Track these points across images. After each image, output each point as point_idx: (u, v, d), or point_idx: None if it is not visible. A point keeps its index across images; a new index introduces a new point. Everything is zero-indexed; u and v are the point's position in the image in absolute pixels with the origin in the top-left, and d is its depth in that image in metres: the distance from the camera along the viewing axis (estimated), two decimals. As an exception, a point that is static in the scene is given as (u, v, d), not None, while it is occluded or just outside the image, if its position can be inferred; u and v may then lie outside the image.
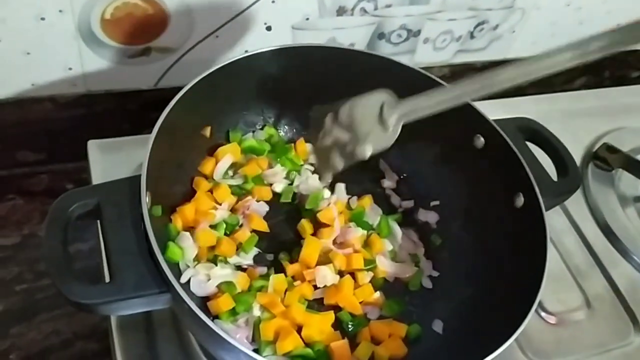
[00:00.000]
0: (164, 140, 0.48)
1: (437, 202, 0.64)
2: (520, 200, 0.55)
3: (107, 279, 0.49)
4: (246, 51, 0.65)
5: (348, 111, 0.51)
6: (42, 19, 0.59)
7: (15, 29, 0.59)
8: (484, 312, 0.54)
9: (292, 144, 0.63)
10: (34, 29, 0.59)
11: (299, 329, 0.50)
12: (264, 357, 0.44)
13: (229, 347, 0.40)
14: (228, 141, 0.61)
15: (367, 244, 0.59)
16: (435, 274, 0.60)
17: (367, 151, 0.50)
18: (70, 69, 0.64)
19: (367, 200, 0.62)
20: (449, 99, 0.49)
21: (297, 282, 0.54)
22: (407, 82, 0.60)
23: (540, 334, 0.60)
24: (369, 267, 0.57)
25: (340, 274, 0.56)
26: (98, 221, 0.48)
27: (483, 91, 0.47)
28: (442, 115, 0.60)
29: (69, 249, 0.44)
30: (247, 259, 0.54)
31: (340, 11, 0.70)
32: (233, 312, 0.49)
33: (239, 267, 0.54)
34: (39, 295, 0.65)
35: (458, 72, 0.83)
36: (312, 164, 0.62)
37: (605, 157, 0.75)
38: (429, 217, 0.63)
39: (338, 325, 0.53)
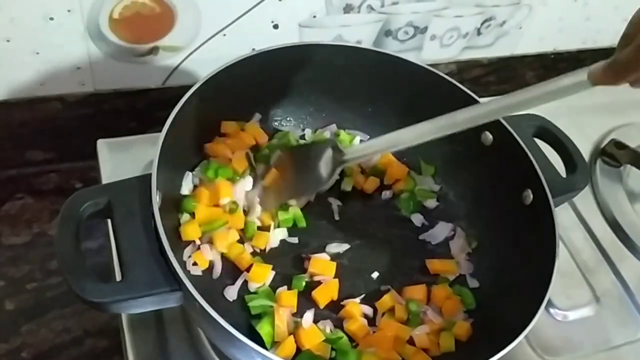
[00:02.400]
0: (173, 138, 0.49)
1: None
2: (528, 197, 0.55)
3: (118, 277, 0.50)
4: (253, 49, 0.66)
5: (301, 157, 0.54)
6: (51, 18, 0.59)
7: (24, 28, 0.59)
8: (493, 309, 0.54)
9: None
10: (42, 28, 0.60)
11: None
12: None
13: (239, 344, 0.40)
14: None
15: None
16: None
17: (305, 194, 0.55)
18: (78, 68, 0.64)
19: None
20: (386, 146, 0.51)
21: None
22: (414, 79, 0.61)
23: (548, 329, 0.60)
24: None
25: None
26: (108, 220, 0.49)
27: (432, 135, 0.48)
28: (450, 112, 0.61)
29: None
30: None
31: (347, 9, 0.70)
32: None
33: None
34: (50, 293, 0.66)
35: (465, 69, 0.83)
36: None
37: (613, 153, 0.75)
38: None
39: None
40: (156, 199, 0.44)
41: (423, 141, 0.48)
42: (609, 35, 0.87)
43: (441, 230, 0.61)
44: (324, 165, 0.50)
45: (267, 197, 0.54)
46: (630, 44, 0.40)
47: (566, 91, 0.43)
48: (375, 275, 0.57)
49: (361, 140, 0.65)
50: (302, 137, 0.65)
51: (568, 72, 0.97)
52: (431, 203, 0.63)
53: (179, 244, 0.52)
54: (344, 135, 0.64)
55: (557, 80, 0.43)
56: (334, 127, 0.65)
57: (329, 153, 0.50)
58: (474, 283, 0.58)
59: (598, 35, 0.86)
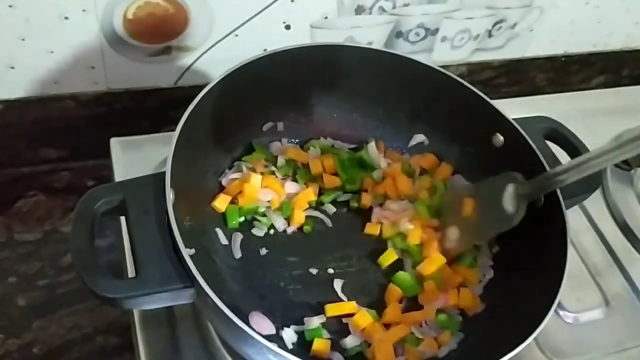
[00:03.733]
0: (187, 137, 0.49)
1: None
2: (540, 199, 0.55)
3: (130, 274, 0.50)
4: (265, 50, 0.66)
5: (483, 193, 0.53)
6: (66, 18, 0.60)
7: (39, 28, 0.60)
8: (504, 311, 0.54)
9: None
10: (57, 28, 0.60)
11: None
12: None
13: (252, 342, 0.40)
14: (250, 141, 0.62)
15: None
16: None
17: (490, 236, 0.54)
18: (92, 67, 0.65)
19: None
20: (573, 172, 0.49)
21: None
22: (425, 80, 0.61)
23: (558, 332, 0.60)
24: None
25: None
26: (121, 217, 0.49)
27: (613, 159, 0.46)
28: (462, 114, 0.61)
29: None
30: None
31: (359, 10, 0.70)
32: None
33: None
34: (61, 290, 0.66)
35: (475, 71, 0.83)
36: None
37: (624, 156, 0.75)
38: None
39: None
40: (170, 197, 0.44)
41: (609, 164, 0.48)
42: (620, 38, 0.87)
43: None
44: (508, 200, 0.50)
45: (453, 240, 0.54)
46: None
47: None
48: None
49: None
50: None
51: (579, 74, 0.98)
52: None
53: (192, 241, 0.52)
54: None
55: None
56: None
57: (511, 188, 0.50)
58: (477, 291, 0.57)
59: (609, 39, 0.86)
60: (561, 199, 0.53)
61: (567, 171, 0.49)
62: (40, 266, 0.67)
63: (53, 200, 0.72)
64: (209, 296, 0.41)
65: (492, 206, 0.51)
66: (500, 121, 0.59)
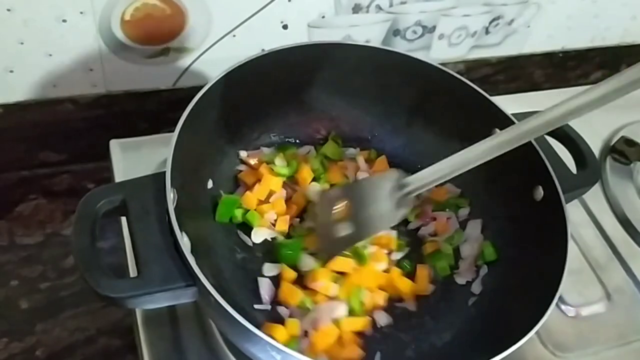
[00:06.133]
0: (186, 136, 0.49)
1: (455, 197, 0.64)
2: (539, 194, 0.55)
3: (132, 274, 0.50)
4: (263, 49, 0.66)
5: (358, 193, 0.51)
6: (64, 20, 0.60)
7: (37, 30, 0.60)
8: (505, 306, 0.54)
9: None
10: (55, 30, 0.61)
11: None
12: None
13: (255, 339, 0.41)
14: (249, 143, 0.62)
15: None
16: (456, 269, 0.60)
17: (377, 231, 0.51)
18: (90, 70, 0.65)
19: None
20: (457, 165, 0.47)
21: None
22: (424, 77, 0.61)
23: (560, 326, 0.60)
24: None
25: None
26: (122, 218, 0.49)
27: (495, 152, 0.46)
28: (460, 110, 0.61)
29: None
30: None
31: (356, 9, 0.70)
32: None
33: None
34: (63, 292, 0.66)
35: (473, 68, 0.83)
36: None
37: (623, 151, 0.75)
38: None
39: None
40: (170, 196, 0.44)
41: (486, 160, 0.47)
42: (617, 32, 0.87)
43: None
44: (386, 199, 0.48)
45: (324, 244, 0.51)
46: None
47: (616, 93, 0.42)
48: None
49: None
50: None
51: (577, 70, 0.97)
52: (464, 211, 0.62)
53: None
54: None
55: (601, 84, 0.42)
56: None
57: (388, 185, 0.48)
58: (477, 289, 0.58)
59: (607, 33, 0.86)
60: (561, 192, 0.53)
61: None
62: (42, 269, 0.67)
63: (54, 204, 0.72)
64: (211, 294, 0.41)
65: (370, 204, 0.49)
66: (499, 117, 0.59)
